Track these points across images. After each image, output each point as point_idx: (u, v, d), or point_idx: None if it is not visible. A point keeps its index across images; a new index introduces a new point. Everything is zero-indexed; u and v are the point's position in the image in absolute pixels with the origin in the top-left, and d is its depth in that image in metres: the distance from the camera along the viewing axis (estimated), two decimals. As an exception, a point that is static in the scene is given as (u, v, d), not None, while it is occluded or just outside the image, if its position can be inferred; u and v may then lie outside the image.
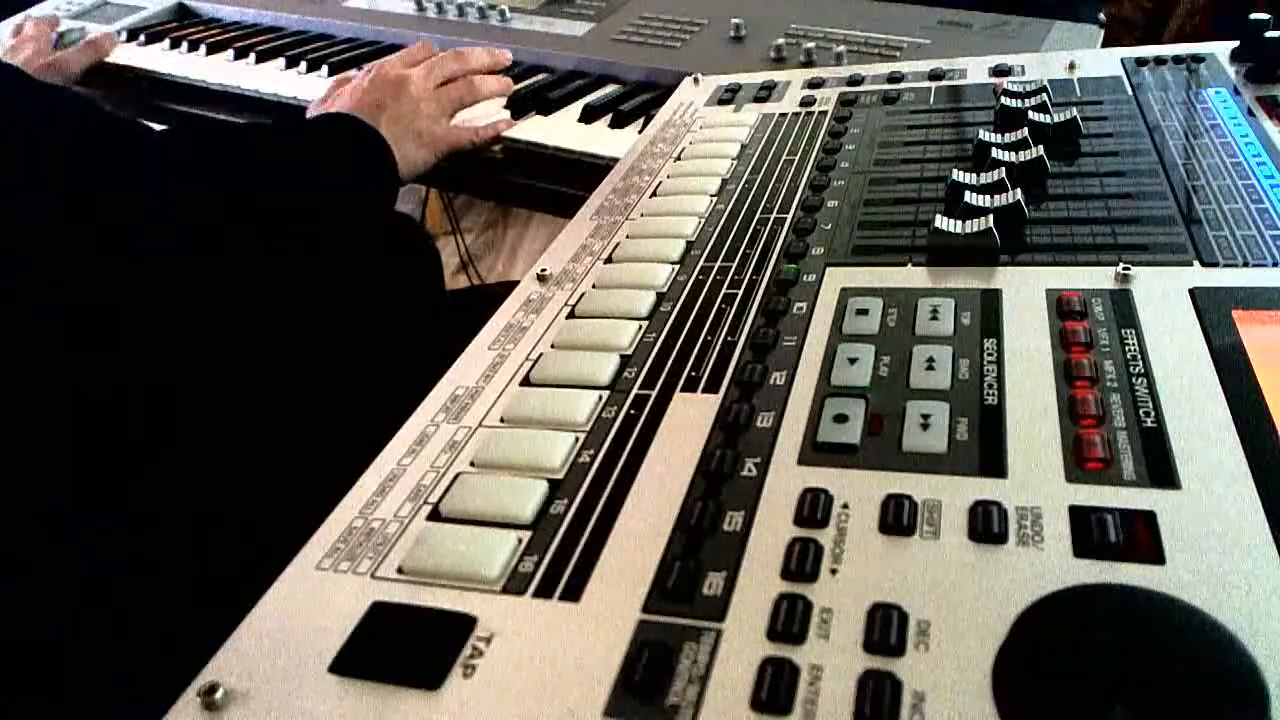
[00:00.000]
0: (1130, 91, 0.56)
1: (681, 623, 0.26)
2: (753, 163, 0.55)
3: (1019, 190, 0.43)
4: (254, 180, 0.56)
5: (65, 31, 1.08)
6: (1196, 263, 0.38)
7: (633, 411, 0.35)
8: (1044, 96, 0.53)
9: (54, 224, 0.41)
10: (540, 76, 0.89)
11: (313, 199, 0.58)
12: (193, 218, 0.48)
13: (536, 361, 0.39)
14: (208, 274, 0.47)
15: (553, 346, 0.40)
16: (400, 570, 0.30)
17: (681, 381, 0.37)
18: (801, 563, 0.27)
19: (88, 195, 0.42)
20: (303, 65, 0.95)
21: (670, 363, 0.38)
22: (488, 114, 0.78)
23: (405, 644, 0.27)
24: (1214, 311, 0.35)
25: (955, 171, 0.47)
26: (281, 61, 0.97)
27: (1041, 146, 0.48)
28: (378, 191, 0.64)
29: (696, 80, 0.71)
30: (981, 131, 0.51)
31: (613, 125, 0.76)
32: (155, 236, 0.44)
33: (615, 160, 0.61)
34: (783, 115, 0.61)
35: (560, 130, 0.77)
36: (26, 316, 0.40)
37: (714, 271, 0.44)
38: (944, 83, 0.62)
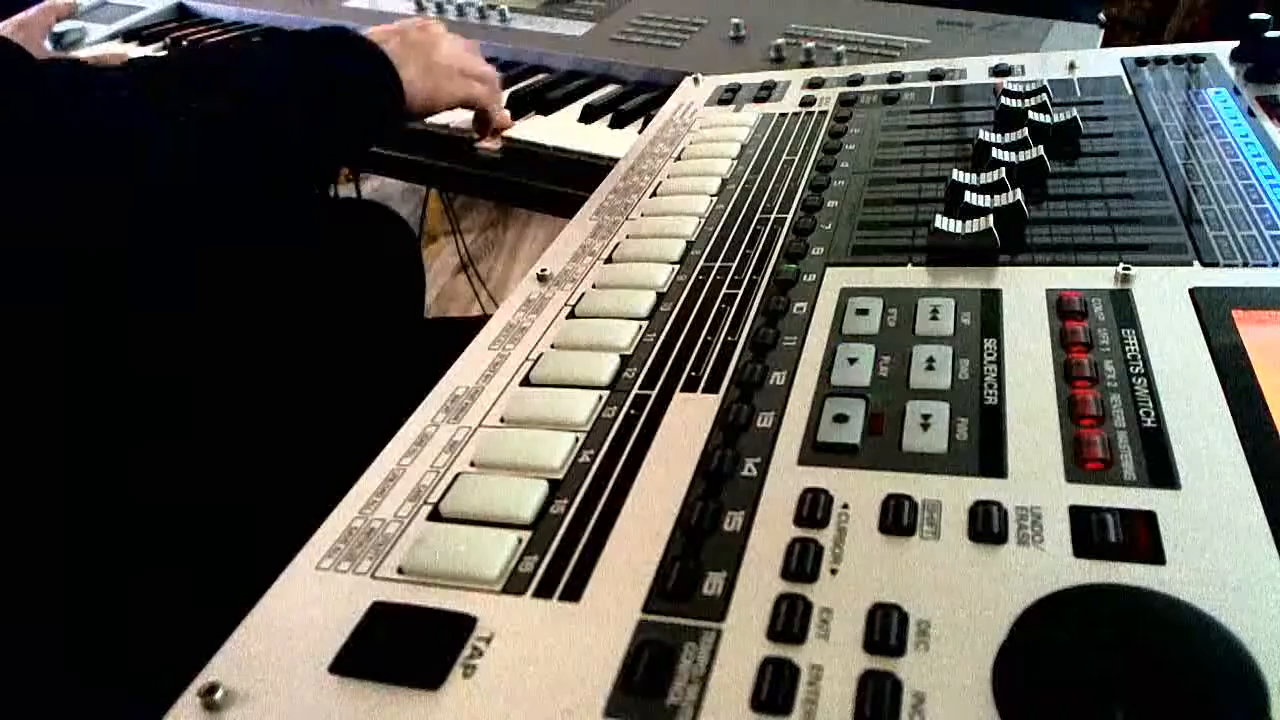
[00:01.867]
0: (1130, 91, 0.56)
1: (681, 623, 0.26)
2: (753, 163, 0.55)
3: (1019, 190, 0.43)
4: (245, 100, 0.50)
5: (65, 31, 1.08)
6: (1196, 263, 0.38)
7: (633, 411, 0.35)
8: (1044, 96, 0.53)
9: (50, 209, 0.41)
10: (540, 76, 0.89)
11: (313, 106, 0.53)
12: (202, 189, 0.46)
13: (536, 361, 0.39)
14: (213, 264, 0.46)
15: (553, 346, 0.40)
16: (400, 570, 0.30)
17: (681, 381, 0.37)
18: (801, 563, 0.27)
19: (83, 182, 0.42)
20: (303, 65, 0.95)
21: (670, 363, 0.38)
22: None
23: (405, 644, 0.27)
24: (1214, 311, 0.35)
25: (955, 171, 0.47)
26: (281, 61, 0.96)
27: (1041, 146, 0.48)
28: (380, 104, 0.58)
29: (696, 80, 0.71)
30: (981, 131, 0.50)
31: (613, 125, 0.76)
32: (157, 221, 0.44)
33: (615, 160, 0.61)
34: (783, 115, 0.61)
35: (560, 130, 0.77)
36: (25, 309, 0.40)
37: (714, 271, 0.44)
38: (944, 83, 0.62)
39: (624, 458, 0.33)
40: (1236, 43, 0.57)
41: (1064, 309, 0.36)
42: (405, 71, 0.59)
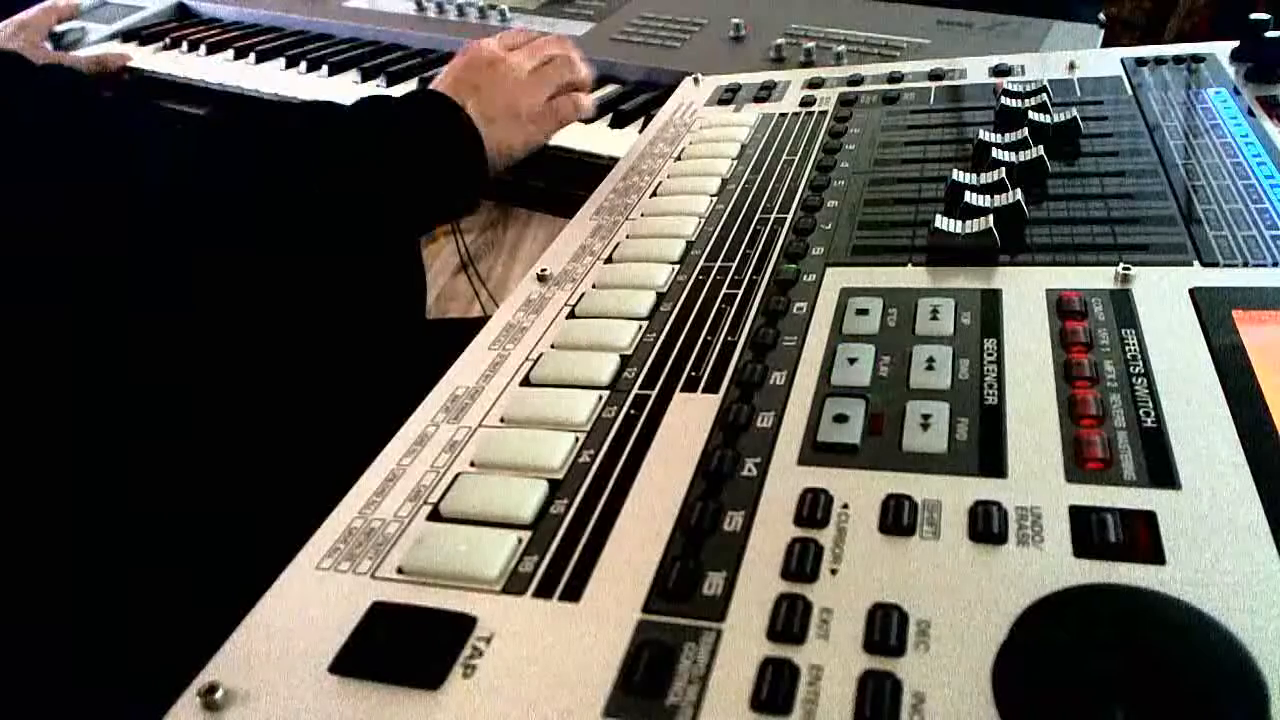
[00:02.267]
0: (1130, 91, 0.56)
1: (681, 623, 0.26)
2: (753, 163, 0.55)
3: (1019, 190, 0.43)
4: (291, 165, 0.49)
5: (65, 31, 1.08)
6: (1196, 263, 0.38)
7: (633, 411, 0.35)
8: (1044, 96, 0.53)
9: (52, 216, 0.41)
10: (540, 76, 0.89)
11: (368, 181, 0.51)
12: (207, 209, 0.46)
13: (536, 361, 0.39)
14: (217, 271, 0.46)
15: (553, 346, 0.40)
16: (400, 570, 0.30)
17: (681, 381, 0.37)
18: (801, 563, 0.27)
19: (86, 185, 0.42)
20: (303, 65, 0.95)
21: (670, 363, 0.38)
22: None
23: (405, 644, 0.27)
24: (1214, 311, 0.35)
25: (955, 171, 0.46)
26: (281, 61, 0.97)
27: (1041, 146, 0.48)
28: (456, 172, 0.55)
29: (696, 80, 0.71)
30: (981, 131, 0.50)
31: (613, 125, 0.76)
32: (158, 229, 0.44)
33: (615, 160, 0.61)
34: (783, 115, 0.61)
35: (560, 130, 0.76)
36: (26, 313, 0.40)
37: (714, 271, 0.44)
38: (944, 83, 0.62)
39: (624, 458, 0.33)
40: (1236, 43, 0.57)
41: (1064, 309, 0.36)
42: (492, 130, 0.56)
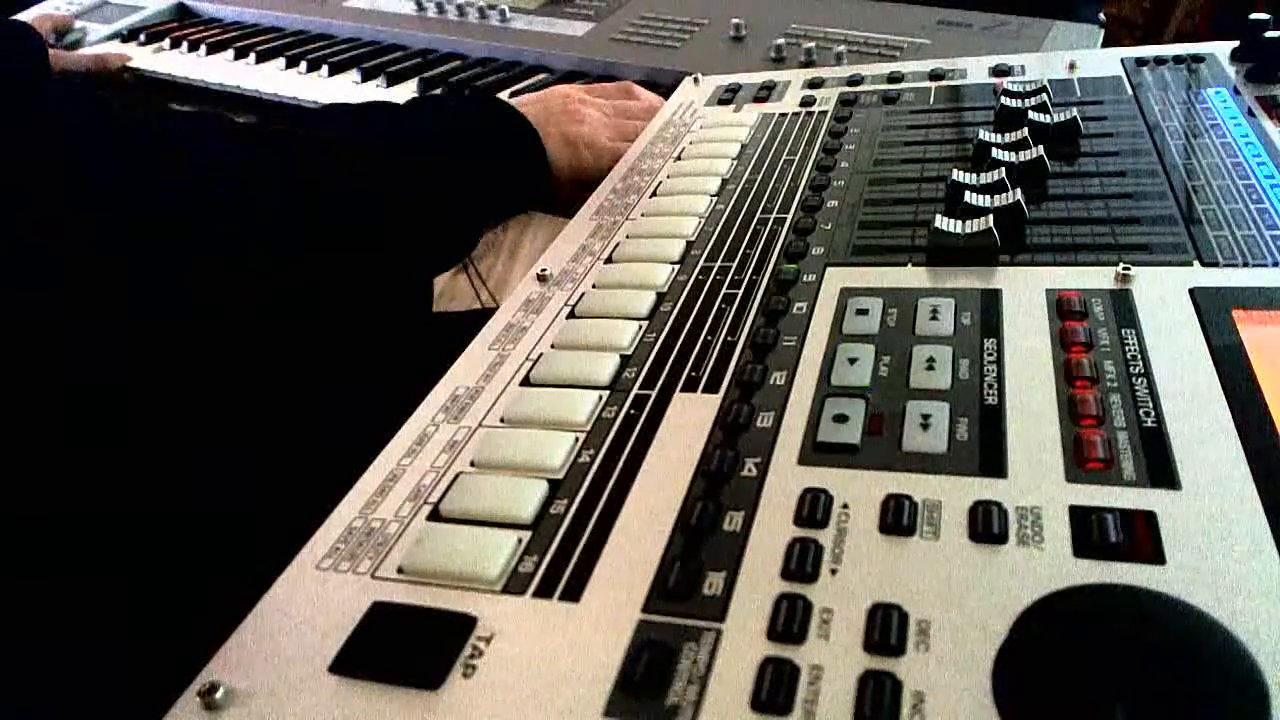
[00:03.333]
0: (1130, 91, 0.56)
1: (681, 623, 0.26)
2: (753, 163, 0.55)
3: (1019, 190, 0.43)
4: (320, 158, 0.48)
5: (65, 31, 1.08)
6: (1196, 263, 0.38)
7: (633, 411, 0.35)
8: (1044, 96, 0.53)
9: (53, 216, 0.41)
10: (540, 76, 0.90)
11: (424, 173, 0.51)
12: (253, 218, 0.46)
13: (536, 361, 0.39)
14: (219, 273, 0.46)
15: (553, 346, 0.40)
16: (400, 570, 0.30)
17: (681, 381, 0.37)
18: (801, 563, 0.27)
19: (90, 189, 0.42)
20: (303, 65, 0.95)
21: (670, 363, 0.38)
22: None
23: (405, 644, 0.27)
24: (1214, 311, 0.35)
25: (955, 171, 0.46)
26: (281, 61, 0.97)
27: (1041, 146, 0.48)
28: (510, 171, 0.57)
29: (696, 80, 0.71)
30: (981, 131, 0.50)
31: (613, 125, 0.76)
32: (153, 228, 0.44)
33: (615, 160, 0.61)
34: (783, 115, 0.61)
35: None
36: (24, 314, 0.40)
37: (714, 271, 0.44)
38: (944, 83, 0.62)
39: (624, 458, 0.33)
40: (1236, 43, 0.57)
41: (1064, 309, 0.36)
42: (549, 143, 0.59)
